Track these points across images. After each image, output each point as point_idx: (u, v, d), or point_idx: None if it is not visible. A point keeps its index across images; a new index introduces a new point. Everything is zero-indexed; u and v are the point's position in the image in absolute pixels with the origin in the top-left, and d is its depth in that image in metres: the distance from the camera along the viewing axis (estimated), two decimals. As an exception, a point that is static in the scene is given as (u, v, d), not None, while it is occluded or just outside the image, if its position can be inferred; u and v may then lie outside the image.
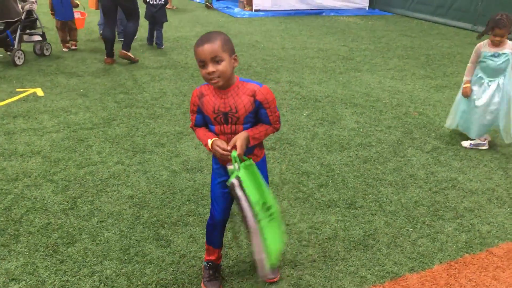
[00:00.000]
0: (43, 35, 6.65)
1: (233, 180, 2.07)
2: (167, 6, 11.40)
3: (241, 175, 2.08)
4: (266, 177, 2.40)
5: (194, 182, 3.51)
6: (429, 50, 8.23)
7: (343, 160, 3.97)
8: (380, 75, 6.55)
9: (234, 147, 2.11)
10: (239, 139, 2.12)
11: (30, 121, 4.47)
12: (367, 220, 3.13)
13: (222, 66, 2.06)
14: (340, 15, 11.65)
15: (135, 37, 6.97)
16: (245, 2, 11.84)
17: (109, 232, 2.90)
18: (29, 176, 3.51)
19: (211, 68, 2.05)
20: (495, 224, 3.14)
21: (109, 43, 6.41)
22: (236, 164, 2.09)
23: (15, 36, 6.15)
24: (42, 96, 5.12)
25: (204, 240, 2.80)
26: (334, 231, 3.00)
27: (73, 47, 7.21)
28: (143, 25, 7.96)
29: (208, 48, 2.04)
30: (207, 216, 3.05)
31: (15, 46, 6.16)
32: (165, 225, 2.99)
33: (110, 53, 6.49)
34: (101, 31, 7.46)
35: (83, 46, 7.33)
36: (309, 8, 11.88)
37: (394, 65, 7.13)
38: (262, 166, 2.36)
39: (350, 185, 3.57)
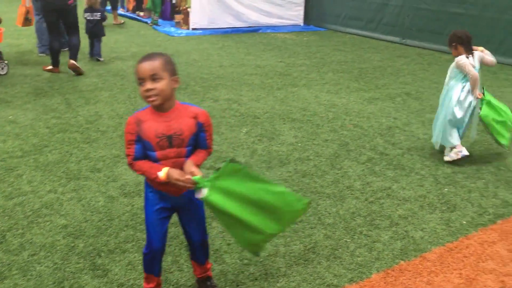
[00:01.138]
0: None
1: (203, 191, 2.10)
2: (114, 22, 11.95)
3: (207, 196, 2.10)
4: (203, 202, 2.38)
5: (132, 207, 3.43)
6: (362, 64, 8.55)
7: (283, 176, 4.02)
8: (316, 89, 6.72)
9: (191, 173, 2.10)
10: (191, 165, 2.13)
11: (-47, 152, 4.21)
12: (307, 234, 3.18)
13: (160, 85, 2.07)
14: (276, 32, 11.88)
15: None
16: (182, 21, 11.82)
17: (41, 266, 2.76)
18: (-48, 211, 3.29)
19: (149, 85, 2.05)
20: (427, 230, 3.28)
21: (56, 53, 6.95)
22: (204, 190, 2.08)
23: None
24: (-33, 125, 4.85)
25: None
26: (275, 248, 3.02)
27: None
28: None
29: (147, 66, 2.06)
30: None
31: None
32: (102, 254, 2.89)
33: (56, 63, 7.02)
34: (41, 51, 8.09)
35: (12, 70, 7.02)
36: (246, 26, 12.02)
37: (329, 79, 7.35)
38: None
39: (289, 200, 3.61)
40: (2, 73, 6.74)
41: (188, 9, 11.39)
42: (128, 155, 2.18)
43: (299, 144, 4.70)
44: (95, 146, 4.46)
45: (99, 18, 7.93)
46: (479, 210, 3.57)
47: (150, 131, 2.12)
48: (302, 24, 12.99)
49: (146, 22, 12.59)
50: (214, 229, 3.16)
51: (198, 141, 2.22)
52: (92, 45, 8.11)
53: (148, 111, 2.17)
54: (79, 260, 2.83)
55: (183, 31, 11.27)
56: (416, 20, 10.35)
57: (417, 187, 3.90)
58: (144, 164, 2.16)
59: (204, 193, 2.09)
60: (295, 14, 12.89)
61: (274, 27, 12.30)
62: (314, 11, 12.97)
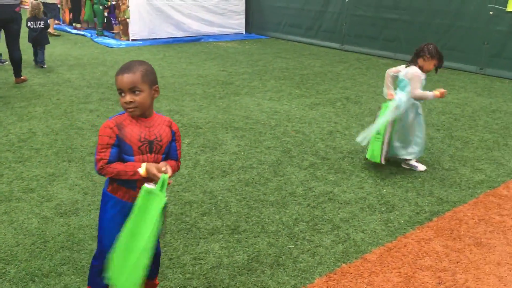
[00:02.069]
0: None
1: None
2: (49, 30, 11.34)
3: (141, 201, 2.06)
4: None
5: (69, 227, 3.28)
6: (303, 70, 8.70)
7: (226, 185, 3.99)
8: (259, 97, 6.76)
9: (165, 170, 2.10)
10: (169, 165, 2.15)
11: None
12: (251, 243, 3.16)
13: (140, 98, 2.08)
14: (218, 41, 11.89)
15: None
16: (121, 32, 11.60)
17: (-32, 296, 2.59)
18: None
19: (128, 98, 2.07)
20: (368, 231, 3.35)
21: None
22: (158, 187, 2.05)
23: None
24: None
25: (80, 290, 2.63)
26: (218, 259, 2.98)
27: None
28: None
29: (127, 78, 2.06)
30: (83, 262, 2.87)
31: None
32: (36, 278, 2.74)
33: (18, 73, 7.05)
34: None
35: None
36: (187, 35, 11.96)
37: (271, 86, 7.41)
38: None
39: (233, 210, 3.59)
40: None
41: (127, 20, 11.19)
42: (100, 159, 2.12)
43: (242, 153, 4.70)
44: (28, 165, 4.25)
45: (42, 26, 8.20)
46: (416, 208, 3.69)
47: (133, 135, 2.13)
48: (244, 32, 13.08)
49: (83, 35, 12.26)
50: (156, 245, 3.08)
51: (170, 150, 2.26)
52: (36, 53, 8.29)
53: (127, 116, 2.17)
54: (11, 287, 2.67)
55: (122, 43, 11.05)
56: (353, 26, 10.67)
57: (358, 190, 3.98)
58: (118, 165, 2.13)
59: (150, 187, 2.06)
60: (236, 23, 12.97)
61: (216, 36, 12.31)
62: (255, 20, 13.11)
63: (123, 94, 2.09)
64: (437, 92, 4.10)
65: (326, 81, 7.83)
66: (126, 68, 2.10)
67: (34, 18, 8.13)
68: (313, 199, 3.79)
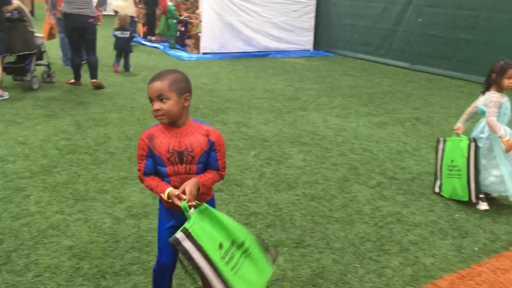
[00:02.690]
0: (48, 65, 7.84)
1: (177, 235, 2.00)
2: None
3: (191, 224, 2.02)
4: None
5: (139, 229, 3.40)
6: (371, 89, 8.56)
7: (291, 199, 3.98)
8: (326, 113, 6.72)
9: (184, 193, 2.06)
10: (188, 185, 2.08)
11: (-37, 172, 4.24)
12: (315, 259, 3.12)
13: (167, 106, 2.08)
14: (286, 57, 11.97)
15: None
16: (192, 45, 11.98)
17: (45, 287, 2.73)
18: (-41, 231, 3.28)
19: (156, 106, 2.09)
20: (438, 256, 3.21)
21: (78, 68, 7.64)
22: (188, 213, 2.03)
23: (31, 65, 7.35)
24: (-22, 145, 4.89)
25: (148, 290, 2.70)
26: (282, 272, 2.96)
27: None
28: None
29: (155, 86, 2.08)
30: (152, 263, 2.95)
31: (32, 73, 7.35)
32: (107, 276, 2.85)
33: (79, 77, 7.72)
34: (66, 64, 9.03)
35: (20, 94, 7.12)
36: (255, 50, 12.14)
37: (338, 103, 7.35)
38: (212, 205, 2.34)
39: (297, 224, 3.57)
40: (53, 80, 7.88)
41: (199, 34, 11.55)
42: (138, 170, 2.21)
43: (308, 168, 4.67)
44: (103, 168, 4.46)
45: (128, 36, 9.15)
46: (491, 236, 3.49)
47: (162, 147, 2.14)
48: (311, 49, 13.10)
49: (156, 47, 12.78)
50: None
51: (209, 160, 2.21)
52: (118, 60, 9.23)
53: (161, 127, 2.19)
54: (84, 282, 2.79)
55: (193, 55, 11.40)
56: (425, 46, 10.39)
57: (428, 212, 3.83)
58: (151, 181, 2.18)
59: (189, 215, 2.05)
60: (304, 40, 13.02)
61: (283, 52, 12.41)
62: (324, 37, 13.10)
63: (152, 102, 2.11)
64: (505, 139, 3.69)
65: (395, 101, 7.65)
66: (156, 76, 2.11)
67: (121, 28, 9.10)
68: (380, 219, 3.69)
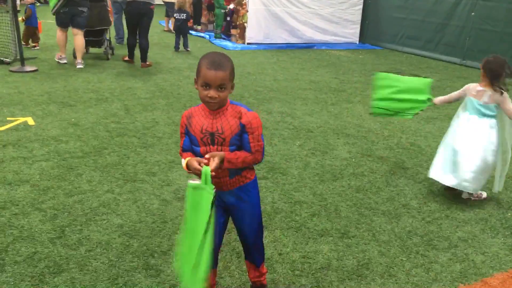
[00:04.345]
0: (109, 40, 9.09)
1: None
2: (172, 30, 12.76)
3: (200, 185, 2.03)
4: (257, 200, 2.39)
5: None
6: (419, 83, 8.33)
7: (336, 190, 3.95)
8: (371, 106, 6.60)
9: (209, 161, 2.07)
10: (217, 156, 2.10)
11: (20, 150, 4.42)
12: (361, 250, 3.09)
13: (223, 94, 2.12)
14: (331, 49, 11.84)
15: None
16: (237, 35, 12.02)
17: (97, 262, 2.83)
18: (17, 205, 3.44)
19: (213, 93, 2.09)
20: (489, 254, 3.11)
21: (132, 48, 8.39)
22: (202, 181, 2.02)
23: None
24: (33, 125, 5.09)
25: (195, 270, 2.74)
26: (327, 261, 2.95)
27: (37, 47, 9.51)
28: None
29: (219, 75, 2.08)
30: (198, 245, 2.99)
31: (106, 45, 8.86)
32: (155, 255, 2.92)
33: (132, 55, 8.50)
34: (118, 42, 10.47)
35: (74, 76, 7.36)
36: (300, 42, 12.06)
37: (385, 97, 7.20)
38: (253, 187, 2.36)
39: (343, 215, 3.54)
40: (113, 53, 9.18)
41: (245, 24, 11.57)
42: (180, 146, 2.30)
43: (353, 160, 4.62)
44: (151, 151, 4.56)
45: (184, 18, 10.12)
46: (546, 237, 3.36)
47: (196, 126, 2.18)
48: (357, 42, 12.90)
49: (203, 36, 12.90)
50: (266, 238, 3.13)
51: (242, 143, 2.19)
52: (178, 41, 10.22)
53: (200, 108, 2.23)
54: (133, 259, 2.87)
55: (238, 45, 11.44)
56: (478, 41, 10.04)
57: (478, 210, 3.72)
58: (186, 156, 2.22)
59: (194, 182, 2.03)
60: (350, 32, 12.83)
61: (328, 44, 12.27)
62: (370, 30, 12.86)
63: (208, 88, 2.09)
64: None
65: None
66: (218, 64, 2.08)
67: (179, 10, 10.13)
68: (428, 214, 3.62)
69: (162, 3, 13.41)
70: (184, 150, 2.27)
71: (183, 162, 2.17)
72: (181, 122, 2.27)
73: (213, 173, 2.05)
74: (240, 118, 2.16)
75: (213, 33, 13.00)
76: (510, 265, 3.00)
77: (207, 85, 2.09)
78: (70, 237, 3.07)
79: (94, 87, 6.82)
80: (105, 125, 5.22)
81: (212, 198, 1.99)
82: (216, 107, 2.15)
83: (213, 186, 2.01)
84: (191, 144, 2.23)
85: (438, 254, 3.08)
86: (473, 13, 10.09)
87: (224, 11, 12.54)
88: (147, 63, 8.38)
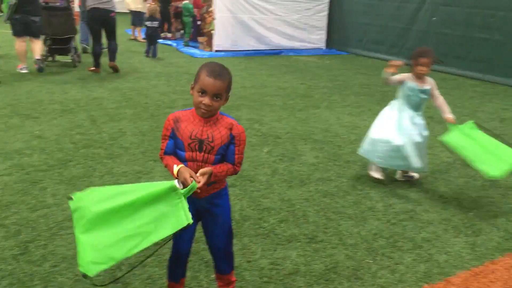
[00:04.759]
0: (75, 47, 9.20)
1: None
2: (138, 39, 13.25)
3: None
4: (229, 204, 2.43)
5: (153, 222, 3.43)
6: (385, 87, 8.48)
7: (303, 195, 4.00)
8: (338, 111, 6.71)
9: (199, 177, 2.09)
10: (204, 173, 2.11)
11: (-19, 164, 4.31)
12: (328, 254, 3.13)
13: (218, 104, 2.15)
14: (298, 55, 11.97)
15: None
16: (205, 43, 12.02)
17: (62, 277, 2.78)
18: (-22, 221, 3.35)
19: (208, 101, 2.12)
20: (452, 253, 3.20)
21: (98, 56, 8.50)
22: (183, 191, 2.04)
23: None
24: (-5, 139, 4.97)
25: (163, 281, 2.74)
26: (295, 266, 2.98)
27: None
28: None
29: (217, 84, 2.12)
30: (167, 255, 2.97)
31: (73, 53, 8.93)
32: (122, 267, 2.89)
33: (97, 64, 8.57)
34: (83, 43, 10.55)
35: (38, 88, 7.22)
36: (268, 48, 12.15)
37: (351, 101, 7.34)
38: (226, 193, 2.40)
39: (310, 220, 3.58)
40: (80, 60, 9.24)
41: (212, 32, 11.58)
42: (161, 149, 2.28)
43: (321, 165, 4.68)
44: (118, 162, 4.51)
45: (156, 26, 10.39)
46: (505, 235, 3.48)
47: (185, 132, 2.19)
48: (324, 47, 13.07)
49: (170, 44, 12.84)
50: (235, 246, 3.12)
51: (227, 153, 2.23)
52: (149, 47, 10.41)
53: (189, 113, 2.24)
54: (100, 273, 2.82)
55: (206, 53, 11.45)
56: (439, 45, 10.33)
57: (441, 210, 3.82)
58: (170, 159, 2.23)
59: (178, 186, 2.04)
60: (317, 38, 13.00)
61: (296, 50, 12.41)
62: (336, 35, 13.07)
63: (204, 95, 2.12)
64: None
65: (409, 99, 7.61)
66: (218, 73, 2.12)
67: (151, 17, 10.36)
68: (393, 216, 3.70)
69: (128, 11, 13.31)
70: (166, 153, 2.27)
71: (175, 168, 2.15)
72: (165, 124, 2.26)
73: (199, 191, 2.08)
74: (231, 129, 2.21)
75: (180, 41, 12.97)
76: (472, 264, 3.09)
77: (203, 92, 2.12)
78: (34, 253, 3.01)
79: (59, 98, 6.70)
80: (70, 136, 5.14)
81: (185, 225, 2.00)
82: (207, 115, 2.17)
83: (190, 215, 2.01)
84: (175, 147, 2.24)
85: (403, 255, 3.16)
86: (434, 18, 10.38)
87: (192, 19, 12.53)
88: (114, 63, 8.57)
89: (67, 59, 9.18)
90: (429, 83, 4.23)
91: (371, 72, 9.91)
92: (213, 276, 2.73)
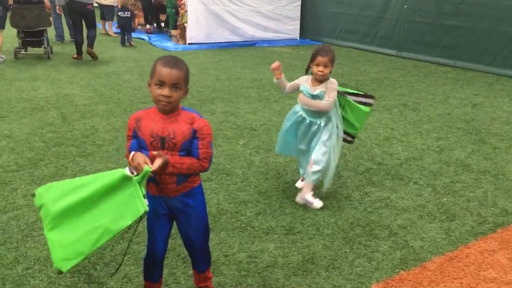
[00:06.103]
0: (48, 40, 9.31)
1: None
2: (109, 33, 13.11)
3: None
4: (203, 204, 2.39)
5: (128, 220, 3.38)
6: (358, 76, 8.58)
7: (280, 187, 3.99)
8: (313, 101, 6.71)
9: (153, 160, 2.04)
10: (162, 158, 2.05)
11: None
12: (306, 245, 3.14)
13: (177, 95, 2.10)
14: (272, 46, 11.94)
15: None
16: (178, 36, 11.88)
17: (35, 280, 2.71)
18: None
19: (167, 92, 2.07)
20: (427, 239, 3.25)
21: (80, 45, 9.10)
22: (136, 177, 2.00)
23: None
24: (-38, 140, 4.82)
25: (140, 279, 2.70)
26: (273, 259, 2.98)
27: None
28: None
29: (174, 74, 2.07)
30: (142, 254, 2.94)
31: (46, 45, 9.12)
32: (97, 267, 2.84)
33: (80, 52, 9.18)
34: (58, 40, 11.13)
35: (6, 86, 7.02)
36: (242, 40, 12.08)
37: (326, 91, 7.34)
38: (199, 192, 2.36)
39: (287, 211, 3.58)
40: (52, 52, 9.42)
41: (185, 24, 11.45)
42: (127, 149, 2.25)
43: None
44: (91, 160, 4.42)
45: (129, 16, 10.99)
46: (478, 219, 3.54)
47: (146, 130, 2.15)
48: (298, 38, 13.07)
49: (142, 38, 12.66)
50: (212, 241, 3.11)
51: (191, 148, 2.18)
52: (123, 36, 11.06)
53: (150, 111, 2.20)
54: (74, 274, 2.78)
55: (179, 46, 11.31)
56: (411, 33, 10.43)
57: (416, 197, 3.87)
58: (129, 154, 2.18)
59: (129, 173, 2.00)
60: (291, 29, 12.98)
61: (270, 41, 12.37)
62: (310, 25, 13.08)
63: (162, 87, 2.07)
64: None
65: (382, 88, 7.68)
66: (174, 63, 2.09)
67: (123, 8, 10.91)
68: (369, 204, 3.72)
69: (97, 5, 13.05)
70: (130, 153, 2.21)
71: (130, 154, 2.11)
72: (128, 124, 2.23)
73: (151, 175, 2.02)
74: (192, 123, 2.16)
75: (154, 35, 12.81)
76: (446, 249, 3.14)
77: (161, 83, 2.08)
78: (5, 256, 2.93)
79: (28, 95, 6.54)
80: (41, 135, 5.02)
81: (142, 213, 1.98)
82: (168, 108, 2.12)
83: (145, 193, 2.00)
84: (139, 147, 2.19)
85: (379, 243, 3.18)
86: (405, 6, 10.46)
87: (175, 10, 12.31)
88: (92, 50, 9.08)
89: (40, 51, 9.36)
90: (325, 87, 3.58)
91: (344, 62, 9.95)
92: (191, 272, 2.71)
